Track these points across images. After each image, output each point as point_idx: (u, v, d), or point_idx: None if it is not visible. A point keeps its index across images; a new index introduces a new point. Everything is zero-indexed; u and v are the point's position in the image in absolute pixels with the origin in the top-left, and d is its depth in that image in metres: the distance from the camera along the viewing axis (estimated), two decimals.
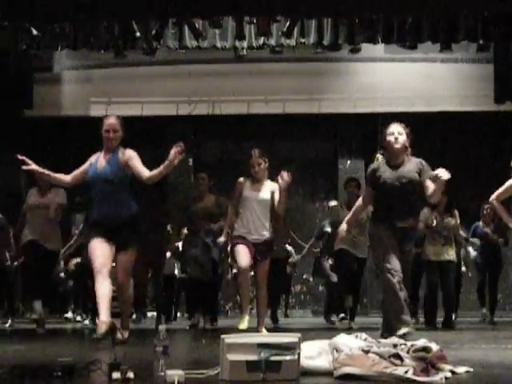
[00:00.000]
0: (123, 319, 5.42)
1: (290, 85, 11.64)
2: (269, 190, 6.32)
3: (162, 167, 5.04)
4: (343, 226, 5.41)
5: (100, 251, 4.99)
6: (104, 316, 4.84)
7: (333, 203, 8.62)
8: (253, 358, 2.83)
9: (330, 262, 8.63)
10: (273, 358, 2.84)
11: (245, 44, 9.69)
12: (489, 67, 10.94)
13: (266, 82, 11.62)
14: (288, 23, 8.86)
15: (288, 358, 2.87)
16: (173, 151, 4.91)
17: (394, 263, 4.84)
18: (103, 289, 4.92)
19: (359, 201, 5.38)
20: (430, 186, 4.84)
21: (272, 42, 9.59)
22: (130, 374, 2.87)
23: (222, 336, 2.92)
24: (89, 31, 8.89)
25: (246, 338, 3.00)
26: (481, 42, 9.12)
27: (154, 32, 8.94)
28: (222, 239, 6.77)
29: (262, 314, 6.37)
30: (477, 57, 10.93)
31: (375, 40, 9.05)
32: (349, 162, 12.21)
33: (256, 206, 6.24)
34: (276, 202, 6.24)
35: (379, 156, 11.32)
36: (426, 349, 3.10)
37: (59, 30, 8.80)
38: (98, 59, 11.02)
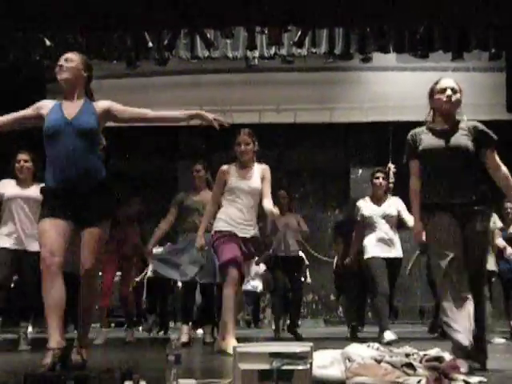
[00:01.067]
0: (83, 331, 3.98)
1: (301, 94, 11.67)
2: (258, 176, 5.54)
3: (175, 113, 4.33)
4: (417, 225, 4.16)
5: (50, 236, 3.71)
6: (56, 336, 3.56)
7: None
8: (265, 367, 2.82)
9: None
10: (285, 367, 2.83)
11: (256, 54, 9.72)
12: (501, 76, 10.90)
13: (278, 92, 11.65)
14: (299, 33, 8.88)
15: (300, 367, 2.86)
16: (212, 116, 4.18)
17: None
18: (53, 294, 3.62)
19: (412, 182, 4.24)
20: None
21: (283, 51, 9.61)
22: (142, 383, 2.87)
23: (234, 345, 2.92)
24: (101, 42, 8.94)
25: (258, 347, 3.00)
26: (493, 50, 9.10)
27: (166, 42, 8.99)
28: (199, 243, 5.57)
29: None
30: (489, 65, 10.90)
31: (387, 49, 9.05)
32: (360, 170, 12.20)
33: (244, 196, 5.44)
34: (265, 196, 5.34)
35: (391, 166, 11.36)
36: (438, 358, 3.08)
37: (72, 40, 8.86)
38: (110, 69, 11.08)
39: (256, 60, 10.02)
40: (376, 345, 3.30)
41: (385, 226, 6.71)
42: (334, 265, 8.69)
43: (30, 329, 9.05)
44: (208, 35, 9.01)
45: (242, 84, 11.60)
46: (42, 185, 4.15)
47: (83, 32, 8.74)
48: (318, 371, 3.06)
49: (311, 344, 2.97)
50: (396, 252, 6.74)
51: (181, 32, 9.17)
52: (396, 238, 6.77)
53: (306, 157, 12.41)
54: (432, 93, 4.41)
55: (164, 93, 11.66)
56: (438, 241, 3.91)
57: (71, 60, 4.23)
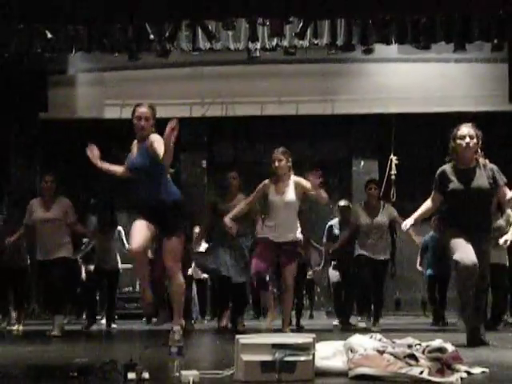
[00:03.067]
0: (175, 310, 5.00)
1: (303, 86, 11.64)
2: (293, 189, 6.29)
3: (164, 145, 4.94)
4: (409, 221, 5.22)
5: (139, 232, 4.84)
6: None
7: (342, 203, 8.51)
8: (267, 358, 2.83)
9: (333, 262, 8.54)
10: (287, 359, 2.83)
11: (258, 45, 9.69)
12: (503, 67, 10.88)
13: (280, 84, 11.62)
14: (301, 24, 8.86)
15: (303, 358, 2.87)
16: (168, 127, 4.81)
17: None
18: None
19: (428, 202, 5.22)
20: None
21: (285, 43, 9.58)
22: (146, 375, 2.88)
23: (237, 336, 2.93)
24: (103, 34, 8.93)
25: (260, 338, 3.01)
26: (495, 41, 9.07)
27: (167, 34, 8.97)
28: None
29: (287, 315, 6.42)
30: (491, 56, 10.86)
31: (388, 40, 9.03)
32: (363, 162, 12.18)
33: (283, 208, 6.23)
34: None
35: (393, 157, 11.34)
36: (441, 349, 3.08)
37: (73, 32, 8.85)
38: (112, 62, 11.07)
39: (258, 52, 9.98)
40: (378, 336, 3.30)
41: (376, 235, 7.35)
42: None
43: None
44: (209, 27, 9.00)
45: (243, 76, 11.57)
46: None
47: (84, 24, 8.72)
48: (320, 362, 3.07)
49: (314, 335, 2.98)
50: (383, 255, 7.40)
51: (182, 24, 9.15)
52: (385, 244, 7.45)
53: (308, 149, 12.39)
54: (454, 138, 5.06)
55: (165, 85, 11.65)
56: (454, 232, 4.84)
57: (147, 118, 5.06)
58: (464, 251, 4.70)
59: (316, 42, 9.30)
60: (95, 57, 10.67)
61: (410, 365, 2.95)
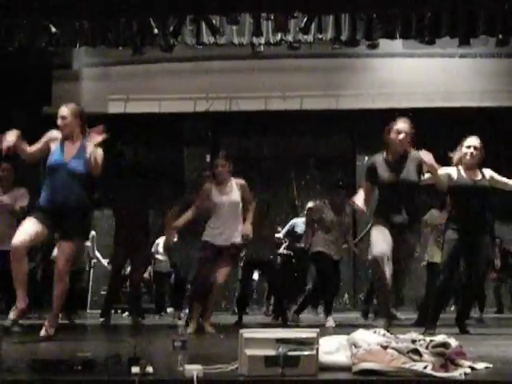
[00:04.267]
0: (53, 314, 5.12)
1: (307, 81, 11.62)
2: (237, 190, 6.31)
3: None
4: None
5: (24, 229, 4.92)
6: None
7: (310, 204, 8.64)
8: (271, 352, 2.83)
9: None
10: (291, 353, 2.84)
11: (262, 40, 9.66)
12: (508, 62, 10.86)
13: (284, 78, 11.60)
14: (305, 19, 8.83)
15: (306, 353, 2.87)
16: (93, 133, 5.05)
17: None
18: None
19: None
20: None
21: (289, 37, 9.55)
22: (149, 369, 2.88)
23: (241, 331, 2.93)
24: (106, 28, 8.92)
25: (264, 333, 3.01)
26: (500, 36, 9.03)
27: (171, 29, 8.95)
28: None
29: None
30: (496, 51, 10.83)
31: (393, 35, 8.98)
32: (367, 157, 12.14)
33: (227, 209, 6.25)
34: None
35: None
36: (444, 344, 3.08)
37: (78, 27, 8.83)
38: (116, 56, 11.07)
39: (262, 46, 9.97)
40: (382, 331, 3.30)
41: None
42: None
43: None
44: (214, 21, 8.97)
45: (247, 71, 11.56)
46: None
47: (89, 19, 8.72)
48: (324, 357, 3.07)
49: (317, 330, 2.98)
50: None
51: (186, 18, 9.13)
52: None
53: (312, 144, 12.39)
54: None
55: (170, 79, 11.65)
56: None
57: (63, 117, 5.17)
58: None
59: (320, 36, 9.27)
60: (99, 51, 10.68)
61: (414, 360, 2.95)
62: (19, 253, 4.89)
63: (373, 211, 5.56)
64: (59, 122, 5.15)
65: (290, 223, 8.99)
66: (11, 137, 4.93)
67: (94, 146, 5.03)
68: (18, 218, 6.81)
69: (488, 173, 5.91)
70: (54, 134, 5.21)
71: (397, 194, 5.32)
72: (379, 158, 5.56)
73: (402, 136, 5.44)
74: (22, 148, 5.05)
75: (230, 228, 6.25)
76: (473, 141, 5.85)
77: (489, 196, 5.83)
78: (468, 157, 5.78)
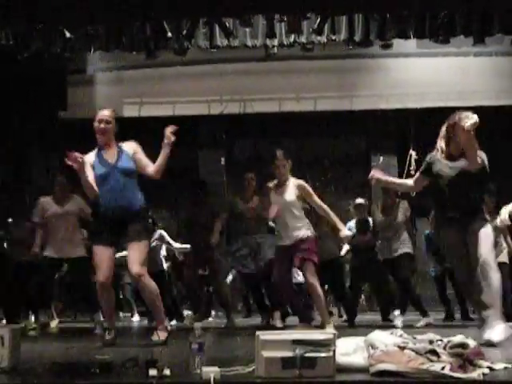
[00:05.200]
0: (156, 317, 5.28)
1: (321, 82, 11.61)
2: (293, 190, 6.32)
3: (161, 156, 5.17)
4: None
5: (105, 263, 5.02)
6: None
7: (359, 201, 8.52)
8: (288, 354, 2.83)
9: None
10: (308, 355, 2.84)
11: (275, 42, 9.68)
12: None
13: (297, 80, 11.60)
14: (318, 20, 8.81)
15: (323, 354, 2.87)
16: (166, 133, 5.12)
17: None
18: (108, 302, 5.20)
19: None
20: None
21: (303, 39, 9.55)
22: (167, 371, 2.90)
23: (258, 333, 2.93)
24: (120, 32, 8.96)
25: (280, 334, 3.01)
26: None
27: (185, 32, 8.98)
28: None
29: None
30: (511, 50, 10.76)
31: (407, 35, 8.95)
32: (381, 158, 12.13)
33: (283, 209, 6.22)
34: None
35: (412, 153, 11.28)
36: (462, 345, 3.07)
37: (92, 32, 8.89)
38: (130, 60, 11.11)
39: (275, 48, 9.98)
40: (399, 332, 3.30)
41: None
42: None
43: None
44: (227, 24, 8.99)
45: (261, 72, 11.56)
46: None
47: (103, 23, 8.76)
48: (341, 358, 3.07)
49: (334, 331, 2.98)
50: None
51: (199, 21, 9.15)
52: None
53: (327, 145, 12.37)
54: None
55: (183, 82, 11.67)
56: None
57: (108, 122, 5.24)
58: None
59: (334, 37, 9.26)
60: (113, 56, 10.73)
61: (432, 361, 2.94)
62: (107, 287, 5.06)
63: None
64: (102, 125, 5.16)
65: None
66: (78, 164, 4.92)
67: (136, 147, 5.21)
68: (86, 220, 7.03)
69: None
70: (89, 155, 5.22)
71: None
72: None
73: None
74: (86, 175, 5.00)
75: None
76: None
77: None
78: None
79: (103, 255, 5.00)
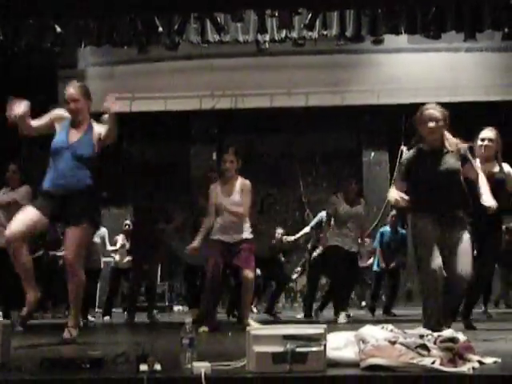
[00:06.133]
0: (72, 312, 4.77)
1: (312, 77, 11.62)
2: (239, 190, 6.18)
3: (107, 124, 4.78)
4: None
5: (20, 218, 4.55)
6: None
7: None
8: (279, 349, 2.83)
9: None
10: (299, 350, 2.84)
11: (267, 37, 9.68)
12: None
13: (289, 75, 11.60)
14: (310, 15, 8.82)
15: (314, 349, 2.87)
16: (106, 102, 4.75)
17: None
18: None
19: None
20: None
21: (294, 34, 9.56)
22: (157, 366, 2.89)
23: (248, 328, 2.94)
24: (112, 28, 8.93)
25: (271, 329, 3.01)
26: (506, 30, 8.99)
27: (176, 27, 8.96)
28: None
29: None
30: (502, 45, 10.79)
31: (398, 30, 8.97)
32: (373, 153, 12.16)
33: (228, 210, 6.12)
34: None
35: (404, 148, 11.32)
36: (452, 339, 3.08)
37: (83, 26, 8.85)
38: (122, 55, 11.08)
39: (267, 43, 9.98)
40: (390, 326, 3.30)
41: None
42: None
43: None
44: (218, 19, 8.98)
45: (252, 68, 11.56)
46: None
47: (93, 18, 8.73)
48: (331, 353, 3.07)
49: (325, 326, 2.98)
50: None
51: (191, 16, 9.14)
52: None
53: (318, 140, 12.38)
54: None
55: (175, 78, 11.66)
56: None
57: (75, 100, 4.81)
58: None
59: (325, 33, 9.28)
60: (104, 51, 10.69)
61: (422, 355, 2.95)
62: (16, 242, 4.48)
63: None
64: (71, 105, 4.76)
65: (319, 216, 8.87)
66: (21, 108, 4.58)
67: (108, 113, 4.76)
68: None
69: (507, 168, 5.75)
70: (61, 112, 4.86)
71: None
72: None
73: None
74: (27, 122, 4.67)
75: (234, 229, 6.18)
76: (486, 133, 5.80)
77: (504, 190, 5.58)
78: (482, 150, 5.69)
79: (28, 213, 4.57)
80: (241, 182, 6.24)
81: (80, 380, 2.87)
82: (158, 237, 8.13)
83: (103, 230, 8.98)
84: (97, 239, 8.52)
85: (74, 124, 4.80)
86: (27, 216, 4.55)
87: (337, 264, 7.50)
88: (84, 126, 4.81)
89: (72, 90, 4.81)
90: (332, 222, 7.68)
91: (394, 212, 9.02)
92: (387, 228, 9.20)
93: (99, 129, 4.82)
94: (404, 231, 8.75)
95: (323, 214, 8.53)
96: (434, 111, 4.74)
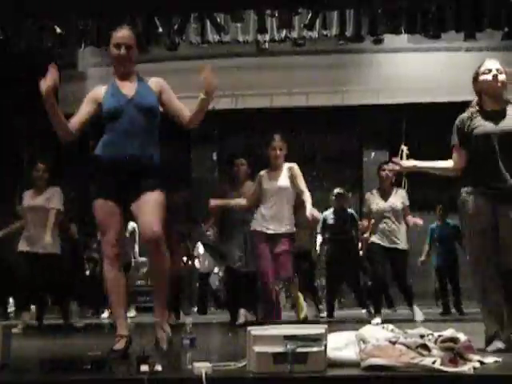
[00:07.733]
0: (160, 305, 3.91)
1: (312, 77, 11.61)
2: (287, 176, 6.16)
3: (199, 104, 4.15)
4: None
5: (113, 228, 3.77)
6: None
7: (338, 190, 8.51)
8: (279, 349, 2.83)
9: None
10: (299, 350, 2.84)
11: (267, 37, 9.67)
12: None
13: (289, 75, 11.60)
14: (310, 15, 8.82)
15: (315, 349, 2.87)
16: (207, 77, 4.00)
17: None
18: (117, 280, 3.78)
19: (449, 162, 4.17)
20: None
21: (294, 34, 9.56)
22: (158, 367, 2.89)
23: (249, 328, 2.94)
24: (111, 28, 8.92)
25: (272, 329, 3.01)
26: (506, 29, 8.99)
27: (176, 27, 8.96)
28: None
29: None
30: (502, 45, 10.78)
31: (398, 30, 8.97)
32: (373, 153, 12.15)
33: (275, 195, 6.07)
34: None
35: (404, 147, 11.30)
36: (453, 339, 3.08)
37: (83, 27, 8.85)
38: None
39: (267, 44, 9.97)
40: (390, 326, 3.30)
41: (389, 220, 7.07)
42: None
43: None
44: (218, 19, 8.98)
45: (253, 68, 11.56)
46: None
47: (94, 19, 8.73)
48: (332, 353, 3.07)
49: (326, 326, 2.98)
50: (400, 244, 7.08)
51: (191, 16, 9.14)
52: (401, 230, 7.10)
53: (319, 140, 12.38)
54: (477, 76, 4.29)
55: (175, 78, 11.52)
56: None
57: (129, 47, 4.09)
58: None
59: (325, 33, 9.27)
60: (105, 51, 10.67)
61: (423, 355, 2.95)
62: (115, 264, 3.79)
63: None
64: (122, 52, 4.00)
65: (321, 217, 8.75)
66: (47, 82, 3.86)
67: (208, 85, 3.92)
68: (59, 220, 6.78)
69: None
70: (98, 89, 4.06)
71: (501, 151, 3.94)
72: (469, 113, 4.23)
73: (494, 73, 4.19)
74: (55, 108, 3.89)
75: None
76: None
77: None
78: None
79: (109, 214, 3.76)
80: (288, 167, 6.25)
81: (80, 381, 2.88)
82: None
83: (132, 226, 8.57)
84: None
85: (123, 77, 4.04)
86: (113, 219, 3.79)
87: (377, 261, 7.10)
88: (134, 78, 4.08)
89: (126, 32, 4.10)
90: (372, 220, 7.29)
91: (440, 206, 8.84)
92: (436, 223, 9.00)
93: (154, 81, 4.15)
94: (453, 222, 8.38)
95: (325, 213, 8.48)
96: (491, 63, 4.11)
